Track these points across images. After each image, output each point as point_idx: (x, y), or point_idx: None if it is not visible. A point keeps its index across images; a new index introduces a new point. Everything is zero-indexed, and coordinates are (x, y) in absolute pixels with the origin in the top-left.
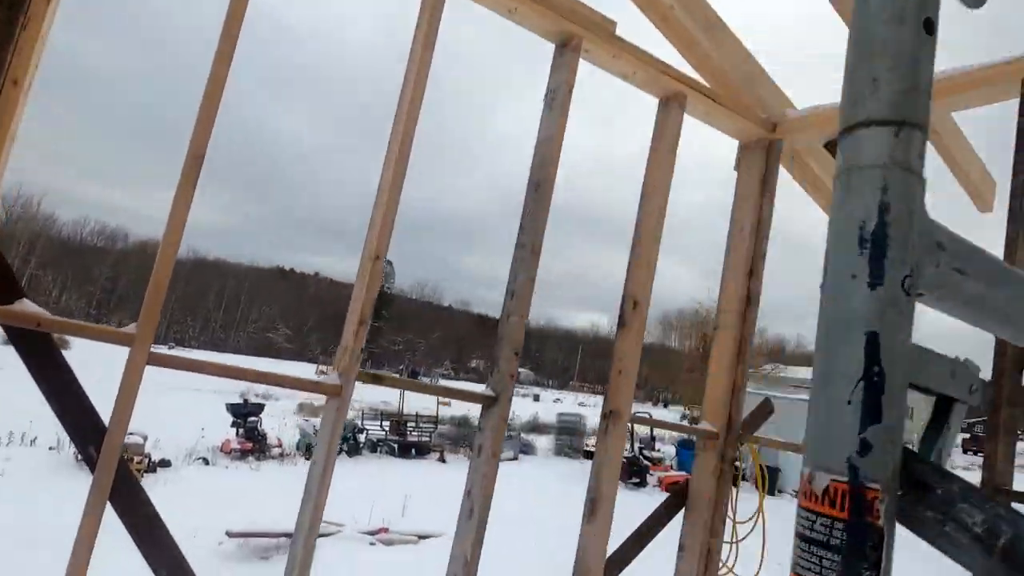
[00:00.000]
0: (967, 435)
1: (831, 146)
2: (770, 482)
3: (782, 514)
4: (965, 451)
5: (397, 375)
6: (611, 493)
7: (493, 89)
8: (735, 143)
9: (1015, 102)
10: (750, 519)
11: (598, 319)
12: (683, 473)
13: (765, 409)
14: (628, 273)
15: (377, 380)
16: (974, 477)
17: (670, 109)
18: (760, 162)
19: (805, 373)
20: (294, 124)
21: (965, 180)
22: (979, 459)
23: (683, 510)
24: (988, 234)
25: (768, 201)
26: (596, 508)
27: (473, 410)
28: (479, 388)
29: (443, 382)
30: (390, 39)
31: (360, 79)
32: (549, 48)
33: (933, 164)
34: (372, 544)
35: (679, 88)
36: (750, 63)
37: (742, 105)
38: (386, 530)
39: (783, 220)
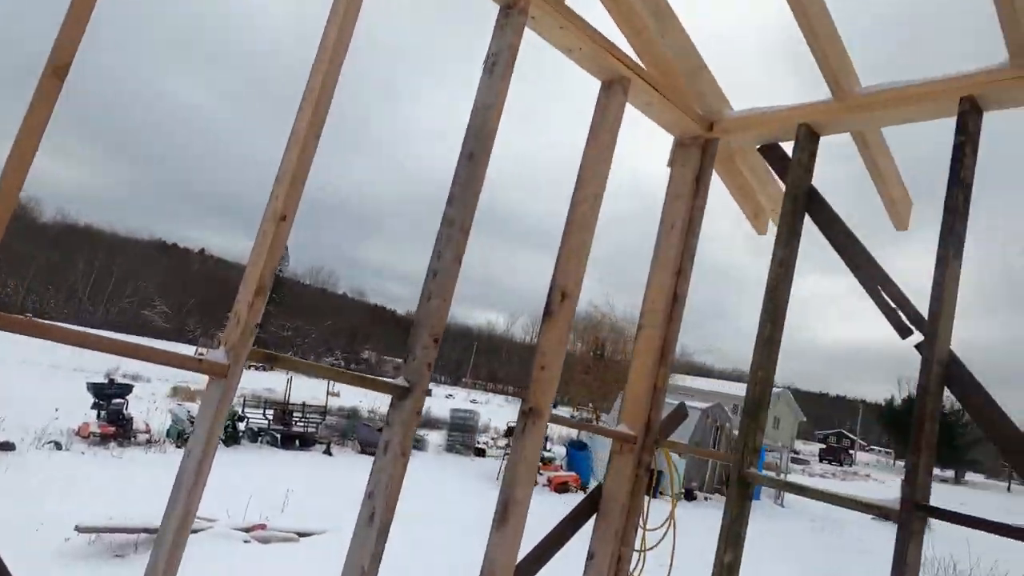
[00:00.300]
0: (823, 446)
1: (766, 150)
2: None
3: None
4: (822, 460)
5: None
6: (525, 498)
7: (409, 72)
8: (645, 153)
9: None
10: (661, 526)
11: (495, 318)
12: (572, 473)
13: (680, 414)
14: (558, 263)
15: (272, 360)
16: (830, 483)
17: (613, 93)
18: (695, 160)
19: (690, 382)
20: (193, 93)
21: (887, 196)
22: (833, 467)
23: (594, 516)
24: (905, 250)
25: (701, 200)
26: (508, 514)
27: (365, 401)
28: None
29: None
30: (301, 9)
31: (270, 53)
32: (469, 27)
33: (856, 175)
34: (247, 542)
35: (624, 72)
36: (694, 56)
37: (682, 99)
38: (263, 526)
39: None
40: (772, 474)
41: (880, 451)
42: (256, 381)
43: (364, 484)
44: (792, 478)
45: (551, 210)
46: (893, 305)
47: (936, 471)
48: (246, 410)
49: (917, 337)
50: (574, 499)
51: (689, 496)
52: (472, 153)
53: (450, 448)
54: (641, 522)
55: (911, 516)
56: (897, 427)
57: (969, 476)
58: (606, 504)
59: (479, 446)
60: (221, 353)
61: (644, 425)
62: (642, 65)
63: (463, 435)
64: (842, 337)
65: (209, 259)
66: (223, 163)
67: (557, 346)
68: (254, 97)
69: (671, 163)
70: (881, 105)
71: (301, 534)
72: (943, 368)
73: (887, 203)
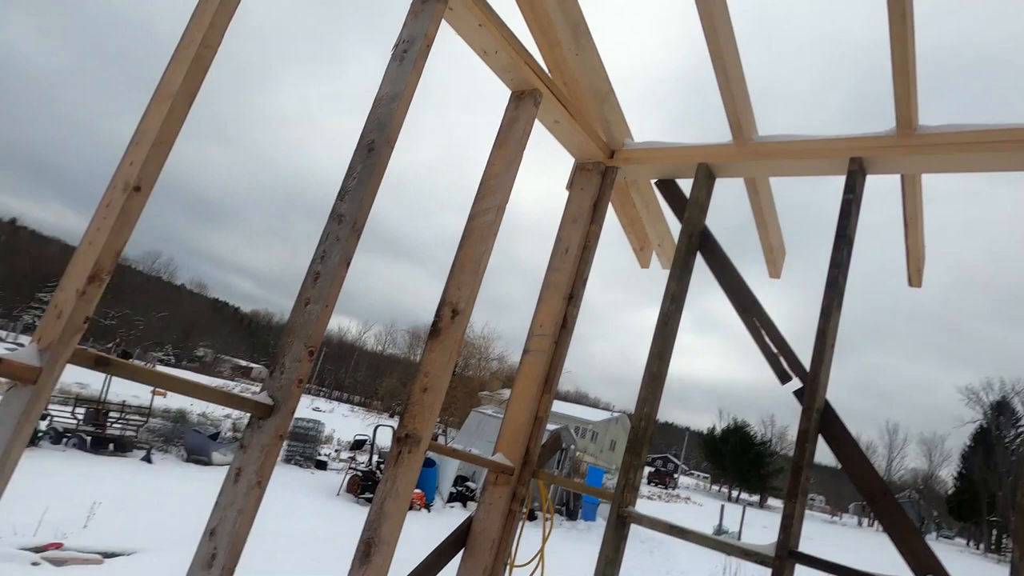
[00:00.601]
0: (652, 469)
1: (663, 185)
2: None
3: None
4: (649, 482)
5: (140, 362)
6: (393, 536)
7: (276, 60)
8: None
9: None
10: (530, 562)
11: (347, 323)
12: (417, 491)
13: (557, 443)
14: (450, 276)
15: (104, 366)
16: (655, 505)
17: (524, 105)
18: (595, 185)
19: None
20: (38, 47)
21: (766, 243)
22: (659, 490)
23: (462, 551)
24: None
25: (596, 226)
26: (371, 552)
27: (197, 404)
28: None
29: (161, 368)
30: None
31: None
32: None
33: (743, 219)
34: (36, 564)
35: (538, 85)
36: (604, 81)
37: (588, 122)
38: (59, 545)
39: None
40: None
41: (699, 475)
42: (65, 372)
43: (188, 497)
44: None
45: (409, 215)
46: (775, 351)
47: (744, 495)
48: (51, 407)
49: (795, 384)
50: (416, 517)
51: (531, 516)
52: (372, 145)
53: (289, 459)
54: (511, 556)
55: (783, 563)
56: (715, 454)
57: (771, 501)
58: (476, 539)
59: (321, 458)
60: (32, 351)
61: (522, 456)
62: (553, 81)
63: (304, 446)
64: (675, 368)
65: (22, 230)
66: (57, 129)
67: (443, 367)
68: (107, 66)
69: (570, 186)
70: (777, 155)
71: (106, 555)
72: (820, 416)
73: (766, 250)
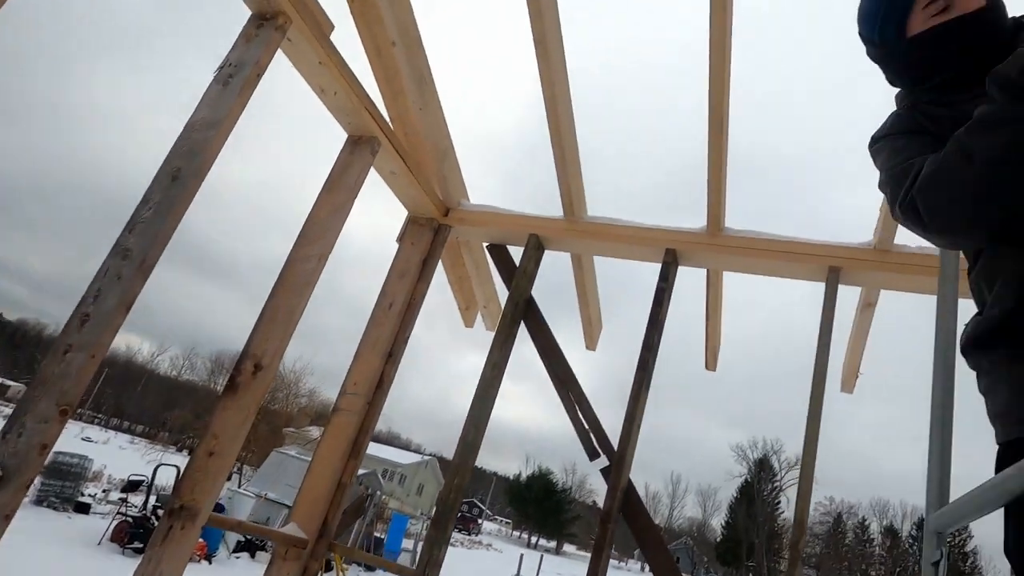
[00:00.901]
0: (458, 514)
1: (494, 249)
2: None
3: None
4: (456, 529)
5: None
6: None
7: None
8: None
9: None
10: None
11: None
12: (201, 540)
13: (360, 508)
14: (258, 325)
15: None
16: (458, 551)
17: (360, 152)
18: (426, 241)
19: None
20: None
21: (585, 317)
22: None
23: None
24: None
25: (424, 283)
26: None
27: None
28: None
29: None
30: None
31: None
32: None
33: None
34: None
35: (377, 133)
36: (445, 137)
37: (426, 177)
38: None
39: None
40: (411, 542)
41: (502, 521)
42: None
43: None
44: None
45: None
46: (587, 427)
47: (543, 541)
48: None
49: (603, 462)
50: (196, 570)
51: (327, 567)
52: (178, 174)
53: (41, 500)
54: None
55: None
56: (519, 500)
57: (567, 547)
58: None
59: (83, 500)
60: None
61: (319, 527)
62: (394, 131)
63: (63, 485)
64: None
65: None
66: None
67: (237, 429)
68: None
69: (401, 239)
70: (603, 236)
71: None
72: (623, 495)
73: (584, 323)
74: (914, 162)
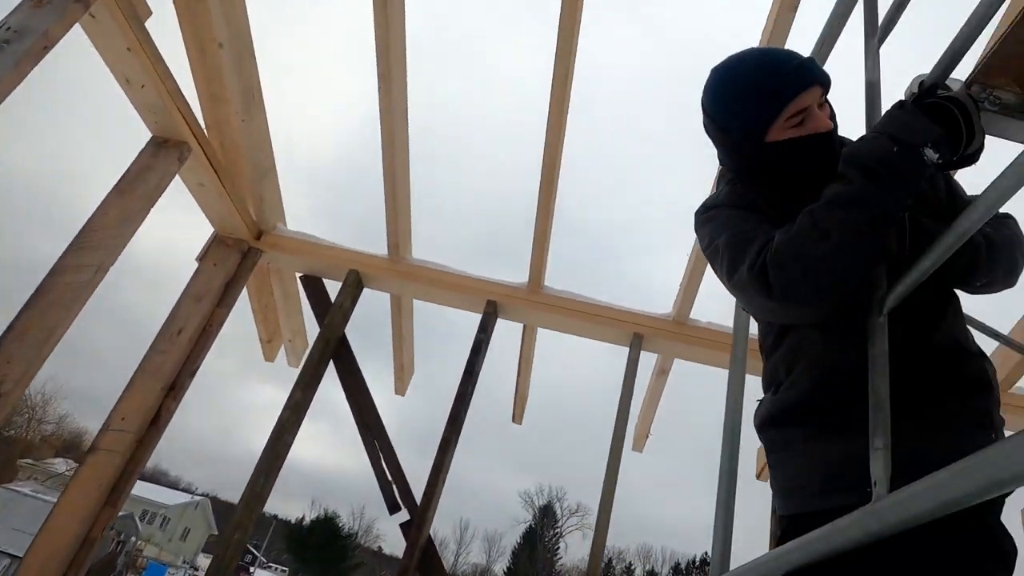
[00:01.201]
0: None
1: (308, 281)
2: None
3: None
4: None
5: None
6: None
7: None
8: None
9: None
10: None
11: None
12: None
13: (112, 562)
14: (0, 343)
15: None
16: None
17: (165, 156)
18: (232, 264)
19: None
20: None
21: (398, 361)
22: None
23: None
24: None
25: (224, 309)
26: None
27: None
28: None
29: None
30: None
31: None
32: None
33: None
34: None
35: (188, 139)
36: (268, 156)
37: (240, 195)
38: None
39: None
40: None
41: (279, 568)
42: None
43: None
44: None
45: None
46: (390, 478)
47: None
48: None
49: (403, 516)
50: None
51: None
52: None
53: None
54: None
55: None
56: (299, 545)
57: None
58: None
59: None
60: None
61: None
62: (208, 140)
63: None
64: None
65: None
66: None
67: None
68: None
69: (202, 257)
70: (426, 281)
71: None
72: (421, 552)
73: (396, 367)
74: (757, 233)
